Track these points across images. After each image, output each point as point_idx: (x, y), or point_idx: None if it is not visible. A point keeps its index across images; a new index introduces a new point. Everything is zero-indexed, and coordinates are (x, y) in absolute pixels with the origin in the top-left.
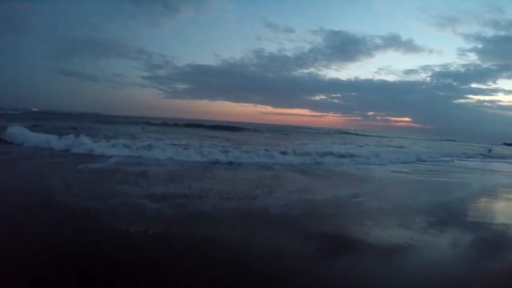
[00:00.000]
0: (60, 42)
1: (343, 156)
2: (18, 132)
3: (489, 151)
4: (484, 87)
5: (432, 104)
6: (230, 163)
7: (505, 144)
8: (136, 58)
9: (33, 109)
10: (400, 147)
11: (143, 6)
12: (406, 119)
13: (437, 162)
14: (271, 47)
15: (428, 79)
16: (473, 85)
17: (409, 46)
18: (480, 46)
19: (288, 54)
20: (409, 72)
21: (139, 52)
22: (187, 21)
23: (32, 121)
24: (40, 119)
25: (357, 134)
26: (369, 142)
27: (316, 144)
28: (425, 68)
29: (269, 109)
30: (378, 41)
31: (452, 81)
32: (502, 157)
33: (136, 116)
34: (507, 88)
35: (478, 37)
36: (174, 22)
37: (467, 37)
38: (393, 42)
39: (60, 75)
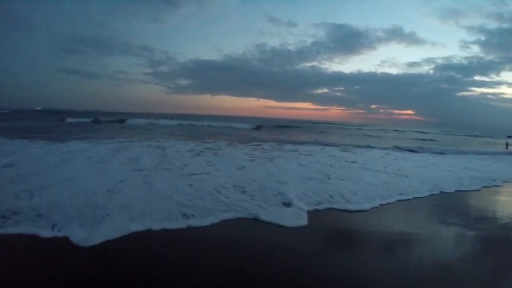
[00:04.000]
0: (63, 40)
1: None
2: None
3: (506, 146)
4: (487, 79)
5: (435, 96)
6: None
7: (509, 137)
8: (139, 55)
9: (36, 108)
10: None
11: (145, 2)
12: (409, 112)
13: None
14: (273, 42)
15: (431, 71)
16: (476, 78)
17: (412, 39)
18: (483, 38)
19: (291, 48)
20: (412, 64)
21: (141, 48)
22: (189, 17)
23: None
24: (7, 120)
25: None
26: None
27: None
28: (428, 60)
29: (272, 103)
30: (381, 34)
31: (455, 73)
32: None
33: (137, 113)
34: (510, 81)
35: (481, 29)
36: (176, 18)
37: (470, 29)
38: (395, 34)
39: (63, 73)
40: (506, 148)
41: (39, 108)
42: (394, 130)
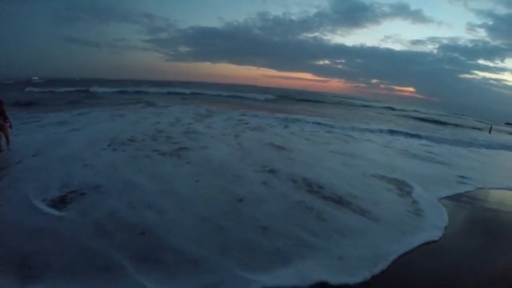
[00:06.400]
0: (61, 8)
1: None
2: None
3: (490, 130)
4: (491, 64)
5: (437, 76)
6: None
7: (507, 124)
8: (138, 22)
9: (33, 78)
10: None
11: None
12: (410, 89)
13: None
14: (276, 10)
15: (435, 51)
16: (480, 62)
17: (417, 16)
18: (490, 23)
19: (293, 17)
20: (416, 42)
21: (141, 15)
22: None
23: None
24: None
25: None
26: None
27: None
28: (432, 39)
29: (272, 72)
30: (386, 9)
31: (459, 55)
32: None
33: (136, 80)
34: None
35: (490, 14)
36: None
37: (478, 12)
38: (401, 11)
39: (63, 42)
40: (490, 132)
41: (36, 78)
42: (415, 111)
